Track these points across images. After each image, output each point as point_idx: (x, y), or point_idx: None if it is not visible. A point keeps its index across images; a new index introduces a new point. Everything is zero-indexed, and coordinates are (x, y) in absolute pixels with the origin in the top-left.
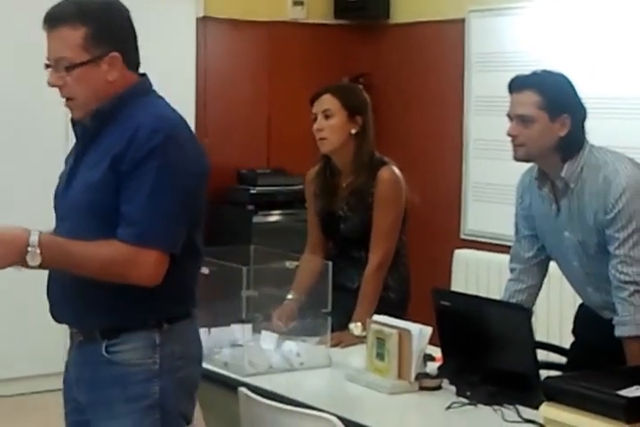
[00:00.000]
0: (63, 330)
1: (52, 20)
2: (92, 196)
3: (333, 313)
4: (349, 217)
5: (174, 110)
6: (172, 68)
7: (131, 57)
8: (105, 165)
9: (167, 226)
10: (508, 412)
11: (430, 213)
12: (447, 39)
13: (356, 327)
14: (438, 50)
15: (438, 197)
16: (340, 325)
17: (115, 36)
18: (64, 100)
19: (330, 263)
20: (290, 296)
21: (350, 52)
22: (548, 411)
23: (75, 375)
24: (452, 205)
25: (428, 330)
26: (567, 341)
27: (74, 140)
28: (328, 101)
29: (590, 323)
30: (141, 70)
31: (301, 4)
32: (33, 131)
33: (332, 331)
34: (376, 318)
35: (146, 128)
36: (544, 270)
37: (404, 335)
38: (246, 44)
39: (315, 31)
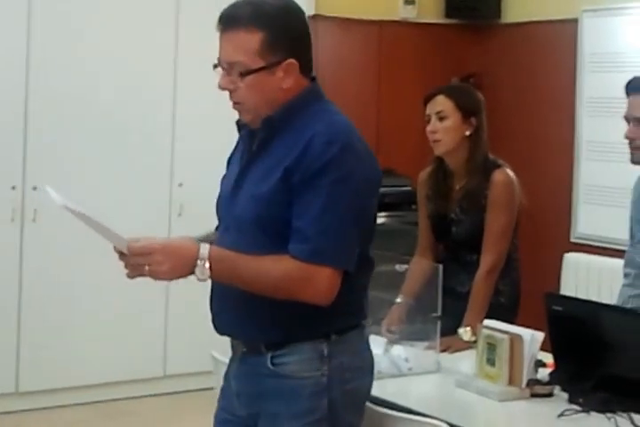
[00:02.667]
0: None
1: (227, 22)
2: (260, 208)
3: (443, 317)
4: (462, 220)
5: (345, 116)
6: None
7: (306, 62)
8: (276, 176)
9: (341, 242)
10: (622, 420)
11: (540, 215)
12: (560, 39)
13: (465, 332)
14: (550, 50)
15: (548, 199)
16: (450, 329)
17: (292, 41)
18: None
19: (440, 266)
20: (398, 300)
21: (461, 52)
22: None
23: (236, 388)
24: (563, 207)
25: (540, 335)
26: None
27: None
28: (442, 103)
29: None
30: None
31: (412, 3)
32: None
33: (441, 336)
34: (487, 322)
35: (320, 139)
36: None
37: (515, 341)
38: (356, 42)
39: (425, 31)
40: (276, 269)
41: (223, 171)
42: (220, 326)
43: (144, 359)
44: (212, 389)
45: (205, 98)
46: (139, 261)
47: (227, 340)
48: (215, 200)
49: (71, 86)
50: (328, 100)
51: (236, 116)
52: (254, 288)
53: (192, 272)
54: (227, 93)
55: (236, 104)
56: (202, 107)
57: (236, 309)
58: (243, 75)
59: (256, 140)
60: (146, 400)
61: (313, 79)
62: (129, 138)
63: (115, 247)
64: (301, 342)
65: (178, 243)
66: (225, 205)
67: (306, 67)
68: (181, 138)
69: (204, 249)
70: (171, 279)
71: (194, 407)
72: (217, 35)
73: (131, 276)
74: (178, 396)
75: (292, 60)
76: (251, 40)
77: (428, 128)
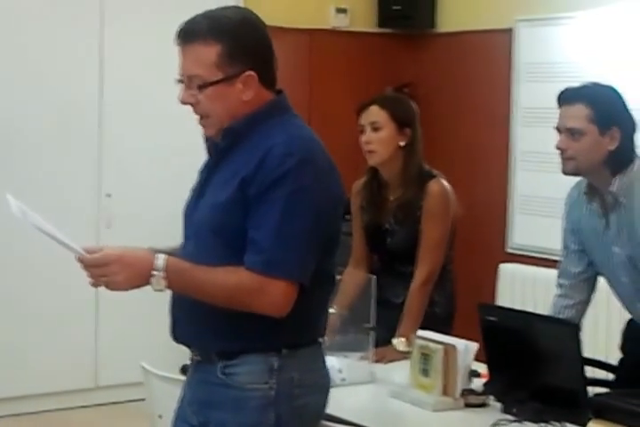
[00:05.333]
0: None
1: (185, 36)
2: (217, 217)
3: (377, 328)
4: (396, 231)
5: (309, 130)
6: None
7: (267, 75)
8: (233, 185)
9: (297, 255)
10: None
11: (475, 226)
12: (494, 49)
13: (399, 343)
14: (485, 60)
15: (484, 210)
16: (384, 340)
17: (250, 53)
18: (197, 116)
19: (374, 277)
20: (332, 311)
21: (394, 62)
22: None
23: (188, 396)
24: (498, 218)
25: (474, 346)
26: (613, 357)
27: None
28: (376, 113)
29: None
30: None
31: (344, 11)
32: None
33: (376, 346)
34: (421, 333)
35: (278, 150)
36: (593, 286)
37: (449, 351)
38: (287, 52)
39: (358, 40)
40: (230, 281)
41: (154, 182)
42: (177, 334)
43: (75, 370)
44: (143, 400)
45: (133, 106)
46: (94, 271)
47: (158, 351)
48: (144, 211)
49: None
50: (294, 114)
51: (165, 128)
52: (209, 299)
53: (148, 283)
54: (156, 103)
55: (200, 118)
56: (129, 115)
57: (191, 318)
58: (201, 87)
59: (218, 150)
60: (77, 412)
61: (279, 92)
62: (53, 146)
63: (76, 257)
64: (253, 353)
65: (134, 254)
66: (188, 215)
67: (267, 79)
68: (109, 148)
69: (160, 260)
70: (127, 290)
71: (125, 419)
72: (146, 37)
73: (93, 285)
74: (109, 407)
75: (250, 73)
76: (208, 53)
77: (362, 139)
